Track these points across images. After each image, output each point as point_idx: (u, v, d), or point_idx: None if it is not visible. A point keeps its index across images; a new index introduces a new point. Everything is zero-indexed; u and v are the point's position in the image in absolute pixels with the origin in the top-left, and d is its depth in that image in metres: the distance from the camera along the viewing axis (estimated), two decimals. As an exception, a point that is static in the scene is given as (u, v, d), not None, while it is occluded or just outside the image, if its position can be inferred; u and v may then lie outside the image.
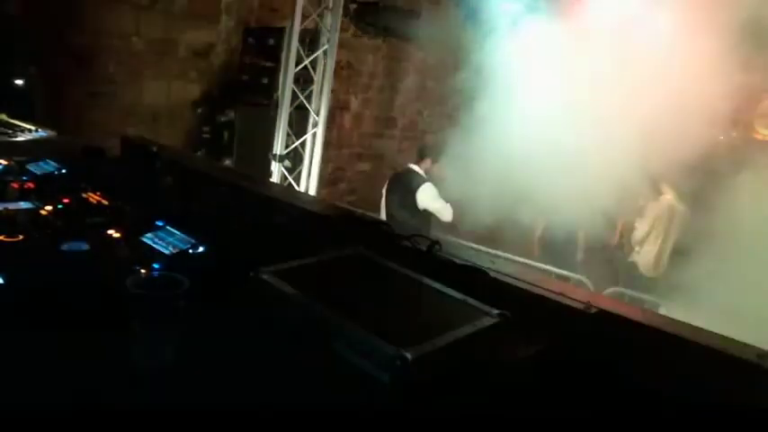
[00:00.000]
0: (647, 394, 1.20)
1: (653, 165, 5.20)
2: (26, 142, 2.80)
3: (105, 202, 1.74)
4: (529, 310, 1.39)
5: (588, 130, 4.78)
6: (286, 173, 6.05)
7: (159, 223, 1.57)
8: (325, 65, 5.98)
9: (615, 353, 1.33)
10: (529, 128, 4.90)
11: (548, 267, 5.31)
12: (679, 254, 5.56)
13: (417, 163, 5.25)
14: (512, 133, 4.90)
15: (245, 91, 6.29)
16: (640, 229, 5.78)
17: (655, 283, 5.59)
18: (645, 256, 5.76)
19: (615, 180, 4.87)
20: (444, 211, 5.04)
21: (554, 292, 1.51)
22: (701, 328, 1.42)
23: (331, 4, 5.88)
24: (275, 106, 5.89)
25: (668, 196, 5.63)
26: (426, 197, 5.05)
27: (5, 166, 2.04)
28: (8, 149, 2.44)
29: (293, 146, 6.05)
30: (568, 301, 1.46)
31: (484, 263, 1.61)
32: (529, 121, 4.99)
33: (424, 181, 5.09)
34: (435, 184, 5.10)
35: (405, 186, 5.17)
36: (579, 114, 4.90)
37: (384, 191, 5.40)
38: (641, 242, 5.77)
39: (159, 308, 1.04)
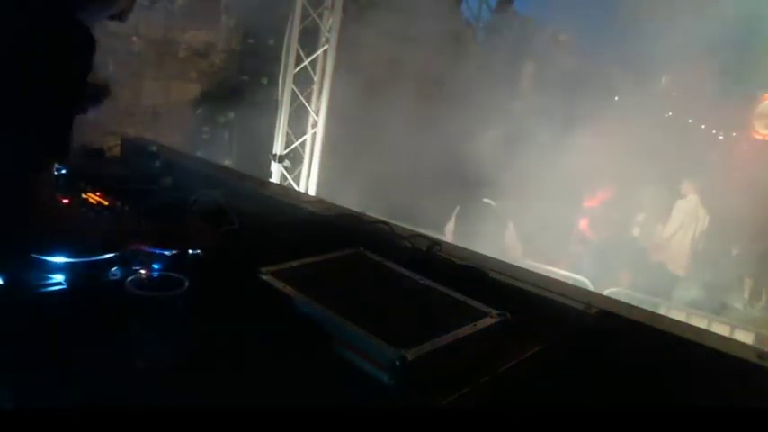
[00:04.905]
0: (647, 394, 1.20)
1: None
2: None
3: (105, 202, 1.74)
4: (529, 310, 1.39)
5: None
6: (286, 173, 6.05)
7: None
8: (325, 65, 5.97)
9: (615, 353, 1.33)
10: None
11: (548, 267, 5.32)
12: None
13: None
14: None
15: (245, 91, 6.29)
16: (670, 224, 5.84)
17: (685, 283, 5.67)
18: (675, 252, 5.80)
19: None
20: None
21: (554, 292, 1.50)
22: (702, 329, 1.43)
23: (331, 4, 5.88)
24: (275, 106, 5.88)
25: (694, 197, 5.73)
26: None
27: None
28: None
29: (293, 146, 6.05)
30: (568, 301, 1.46)
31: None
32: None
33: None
34: None
35: None
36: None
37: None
38: (670, 237, 5.81)
39: (159, 308, 1.04)
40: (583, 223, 5.99)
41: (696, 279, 5.81)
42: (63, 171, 2.02)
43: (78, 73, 1.11)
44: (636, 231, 6.29)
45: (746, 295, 6.53)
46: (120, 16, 1.32)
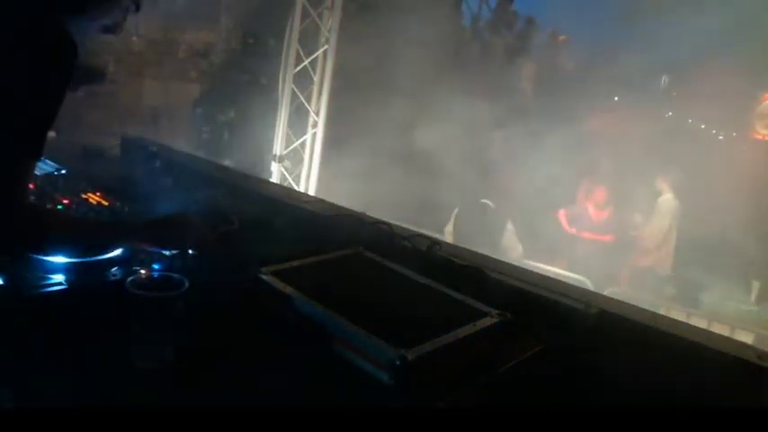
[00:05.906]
0: (648, 394, 1.20)
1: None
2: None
3: (105, 203, 1.74)
4: (529, 310, 1.39)
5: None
6: (286, 173, 6.05)
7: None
8: (324, 65, 5.97)
9: (615, 353, 1.33)
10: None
11: (548, 267, 5.32)
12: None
13: None
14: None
15: (245, 91, 6.29)
16: (658, 226, 5.75)
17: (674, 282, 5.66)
18: (665, 254, 5.75)
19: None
20: None
21: (554, 292, 1.50)
22: (702, 329, 1.43)
23: (331, 4, 5.88)
24: (275, 106, 5.89)
25: (670, 195, 5.69)
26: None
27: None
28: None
29: (293, 146, 6.05)
30: (568, 301, 1.45)
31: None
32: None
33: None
34: None
35: None
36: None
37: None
38: (663, 241, 5.74)
39: (159, 308, 1.04)
40: (561, 215, 5.98)
41: (696, 279, 5.80)
42: (63, 171, 2.02)
43: (63, 80, 1.13)
44: (632, 231, 6.27)
45: (753, 298, 6.49)
46: (114, 30, 1.33)
